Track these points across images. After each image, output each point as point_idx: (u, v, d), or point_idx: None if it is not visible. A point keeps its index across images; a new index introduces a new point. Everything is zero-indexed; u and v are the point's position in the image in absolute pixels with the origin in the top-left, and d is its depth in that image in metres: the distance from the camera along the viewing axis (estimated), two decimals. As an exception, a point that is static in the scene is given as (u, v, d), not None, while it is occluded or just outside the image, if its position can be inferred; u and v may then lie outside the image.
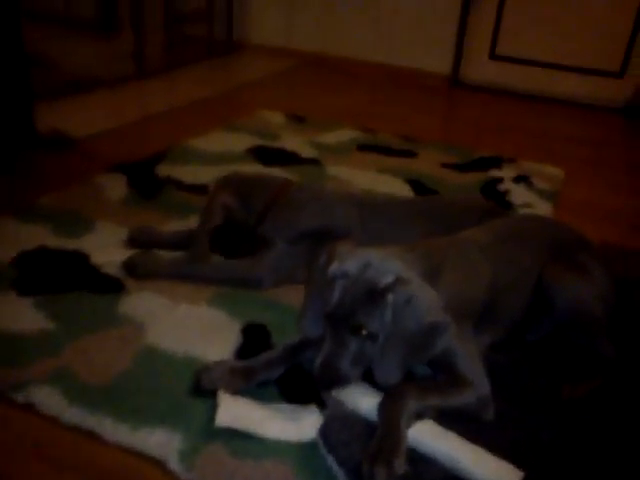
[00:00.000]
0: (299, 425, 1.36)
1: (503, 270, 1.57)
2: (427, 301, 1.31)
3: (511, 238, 1.67)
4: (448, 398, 1.36)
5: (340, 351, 1.33)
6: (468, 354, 1.42)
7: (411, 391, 1.32)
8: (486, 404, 1.39)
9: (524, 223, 1.82)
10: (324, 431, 1.32)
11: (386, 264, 1.33)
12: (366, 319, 1.30)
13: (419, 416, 1.30)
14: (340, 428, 1.32)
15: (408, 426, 1.27)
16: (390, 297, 1.29)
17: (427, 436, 1.28)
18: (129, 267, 1.92)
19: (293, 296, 1.83)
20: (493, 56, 4.67)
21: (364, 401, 1.35)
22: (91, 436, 1.33)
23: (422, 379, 1.50)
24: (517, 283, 1.61)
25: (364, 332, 1.31)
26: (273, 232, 1.94)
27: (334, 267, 1.36)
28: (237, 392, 1.43)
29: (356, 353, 1.33)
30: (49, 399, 1.40)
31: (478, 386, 1.38)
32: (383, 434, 1.25)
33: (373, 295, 1.30)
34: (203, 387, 1.44)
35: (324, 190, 2.11)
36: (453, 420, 1.34)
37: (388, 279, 1.30)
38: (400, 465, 1.20)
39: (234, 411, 1.35)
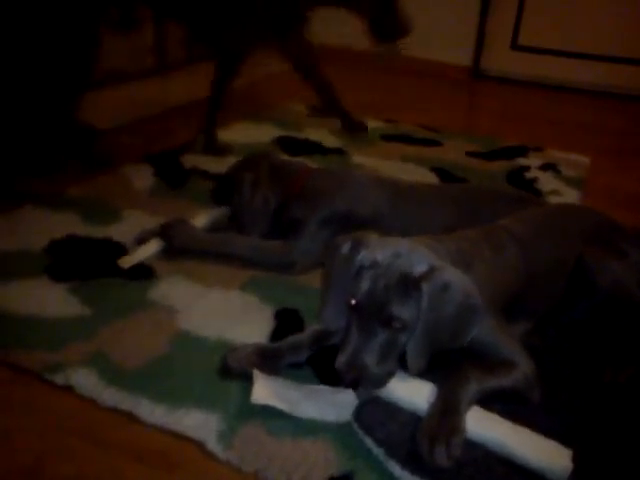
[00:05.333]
0: (335, 406, 1.36)
1: (537, 261, 1.55)
2: (463, 287, 1.27)
3: (546, 229, 1.65)
4: (499, 380, 1.33)
5: (368, 345, 1.26)
6: (507, 340, 1.40)
7: (473, 375, 1.29)
8: (533, 384, 1.37)
9: (559, 213, 1.80)
10: (358, 414, 1.31)
11: (417, 253, 1.30)
12: (400, 310, 1.25)
13: (478, 400, 1.28)
14: (374, 409, 1.31)
15: (467, 410, 1.25)
16: (425, 286, 1.24)
17: (472, 421, 1.26)
18: (166, 237, 1.94)
19: (324, 281, 1.82)
20: (515, 46, 4.63)
21: (398, 389, 1.33)
22: (130, 417, 1.34)
23: (472, 361, 1.41)
24: (551, 274, 1.59)
25: (396, 324, 1.26)
26: (303, 215, 1.95)
27: (362, 256, 1.31)
28: (270, 373, 1.43)
29: (385, 347, 1.27)
30: (86, 381, 1.41)
31: (524, 367, 1.36)
32: (442, 413, 1.23)
33: (407, 285, 1.26)
34: (230, 367, 1.44)
35: (350, 175, 2.10)
36: (501, 402, 1.32)
37: (422, 267, 1.26)
38: (458, 446, 1.18)
39: (269, 389, 1.36)
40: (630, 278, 1.60)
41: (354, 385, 1.28)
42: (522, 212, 1.73)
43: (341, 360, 1.28)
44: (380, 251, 1.30)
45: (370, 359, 1.26)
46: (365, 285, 1.28)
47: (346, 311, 1.34)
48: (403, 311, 1.26)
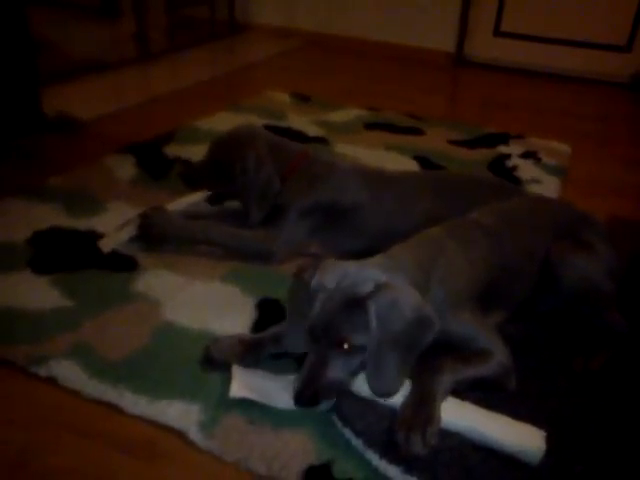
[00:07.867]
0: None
1: (508, 252, 1.58)
2: (412, 301, 1.28)
3: (516, 221, 1.68)
4: (476, 369, 1.37)
5: (323, 368, 1.28)
6: (483, 330, 1.43)
7: (447, 366, 1.32)
8: (509, 373, 1.40)
9: (529, 205, 1.82)
10: (338, 405, 1.33)
11: (365, 273, 1.30)
12: (348, 332, 1.26)
13: (452, 391, 1.31)
14: (353, 402, 1.33)
15: (442, 400, 1.28)
16: (372, 305, 1.25)
17: (446, 410, 1.28)
18: (145, 226, 1.93)
19: (306, 271, 1.84)
20: (498, 33, 4.64)
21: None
22: (114, 408, 1.36)
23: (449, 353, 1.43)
24: (522, 265, 1.62)
25: (346, 346, 1.27)
26: (288, 201, 1.96)
27: (314, 281, 1.32)
28: (248, 364, 1.46)
29: (340, 368, 1.29)
30: (70, 373, 1.43)
31: (499, 355, 1.40)
32: (417, 403, 1.26)
33: (352, 305, 1.26)
34: (212, 358, 1.47)
35: (337, 164, 2.10)
36: (478, 390, 1.35)
37: (368, 287, 1.26)
38: (433, 435, 1.21)
39: (247, 383, 1.38)
40: (597, 271, 1.62)
41: (310, 405, 1.29)
42: (494, 204, 1.75)
43: (298, 382, 1.29)
44: (329, 275, 1.31)
45: (325, 381, 1.28)
46: (315, 310, 1.29)
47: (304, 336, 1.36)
48: (352, 332, 1.27)
